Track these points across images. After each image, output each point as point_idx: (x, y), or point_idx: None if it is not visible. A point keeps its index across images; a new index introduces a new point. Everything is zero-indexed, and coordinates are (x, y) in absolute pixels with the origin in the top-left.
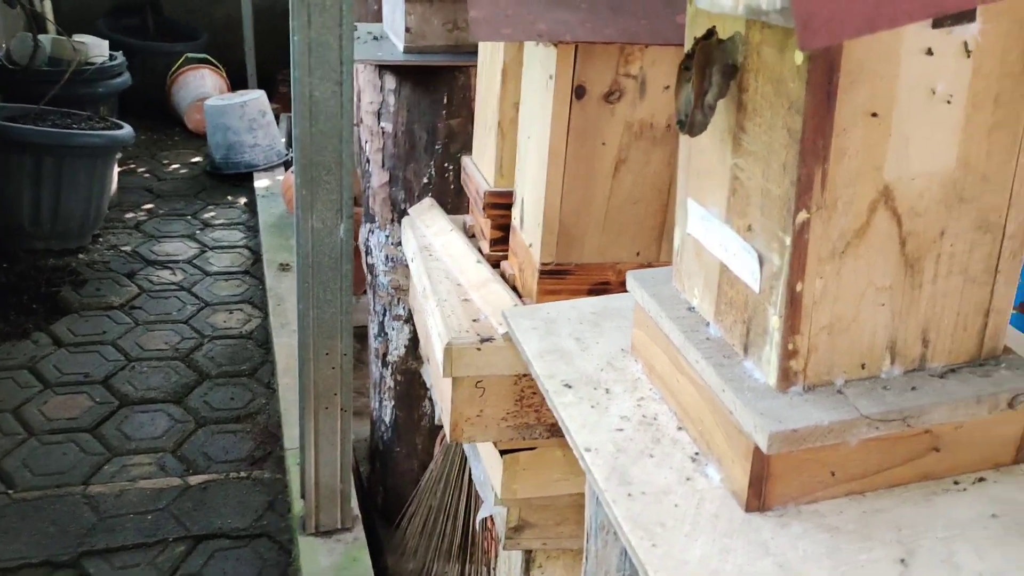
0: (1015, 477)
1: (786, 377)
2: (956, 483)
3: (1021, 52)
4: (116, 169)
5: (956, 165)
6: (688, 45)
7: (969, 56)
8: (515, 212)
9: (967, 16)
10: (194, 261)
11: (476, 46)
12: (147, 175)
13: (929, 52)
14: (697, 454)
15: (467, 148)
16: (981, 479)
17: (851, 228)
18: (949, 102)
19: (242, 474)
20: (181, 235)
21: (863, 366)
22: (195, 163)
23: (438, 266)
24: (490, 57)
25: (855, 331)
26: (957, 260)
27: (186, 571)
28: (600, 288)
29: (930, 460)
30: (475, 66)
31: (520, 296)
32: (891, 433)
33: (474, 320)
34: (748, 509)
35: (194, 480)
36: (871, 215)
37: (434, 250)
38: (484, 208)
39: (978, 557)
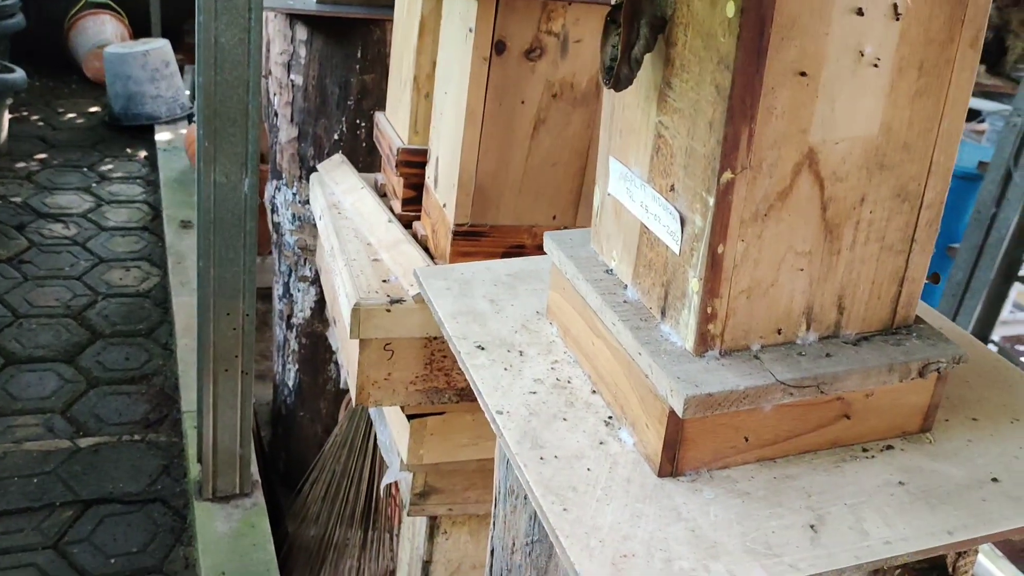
0: (922, 445)
1: (703, 341)
2: (865, 450)
3: (947, 18)
4: (7, 116)
5: (879, 131)
6: None
7: (898, 19)
8: (429, 171)
9: None
10: (89, 215)
11: None
12: (41, 124)
13: (859, 12)
14: (611, 418)
15: (381, 105)
16: (889, 447)
17: (774, 190)
18: (876, 65)
19: (136, 437)
20: (76, 188)
21: (779, 331)
22: (93, 113)
23: (347, 225)
24: (407, 8)
25: (773, 296)
26: (875, 227)
27: (74, 537)
28: (515, 251)
29: (840, 427)
30: (391, 20)
31: (432, 258)
32: (804, 399)
33: (384, 281)
34: (661, 474)
35: (84, 443)
36: (795, 178)
37: (343, 208)
38: (397, 166)
39: (885, 524)
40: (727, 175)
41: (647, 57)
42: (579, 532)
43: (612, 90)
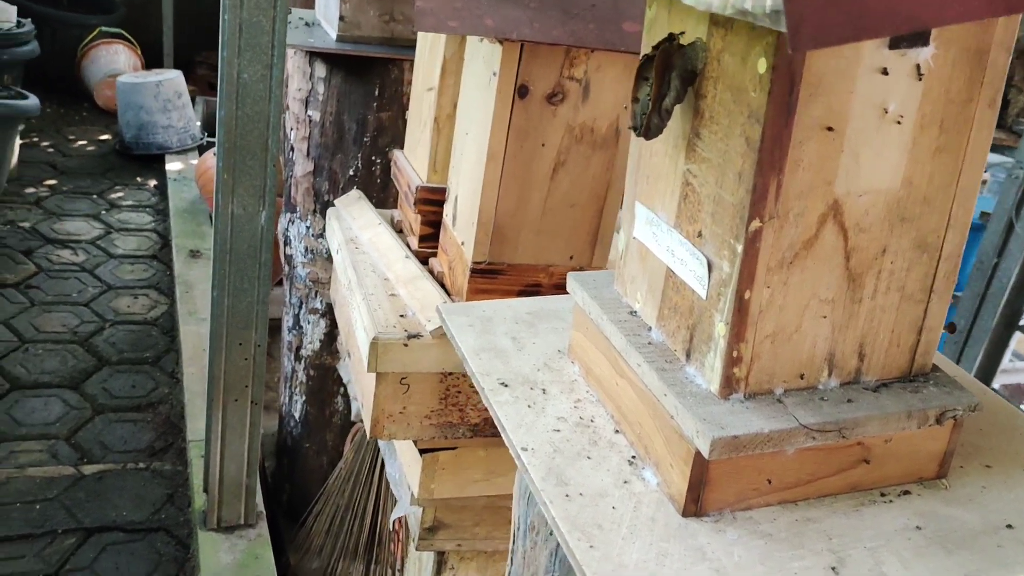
0: (938, 491)
1: (728, 384)
2: (883, 495)
3: (967, 80)
4: (18, 141)
5: (901, 185)
6: (645, 49)
7: (920, 79)
8: (447, 209)
9: (922, 39)
10: (98, 242)
11: (411, 39)
12: (51, 150)
13: (884, 72)
14: (634, 457)
15: (397, 142)
16: (906, 492)
17: (800, 239)
18: (899, 122)
19: (141, 465)
20: (85, 214)
21: (802, 376)
22: (103, 141)
23: (364, 259)
24: (429, 50)
25: (797, 341)
26: (896, 277)
27: (76, 564)
28: (532, 290)
29: (860, 472)
30: (409, 60)
31: (449, 294)
32: (826, 443)
33: (401, 316)
34: (685, 514)
35: (88, 470)
36: (820, 228)
37: (361, 243)
38: (415, 203)
39: (903, 567)
40: (755, 223)
41: (676, 107)
42: (606, 569)
43: (642, 138)
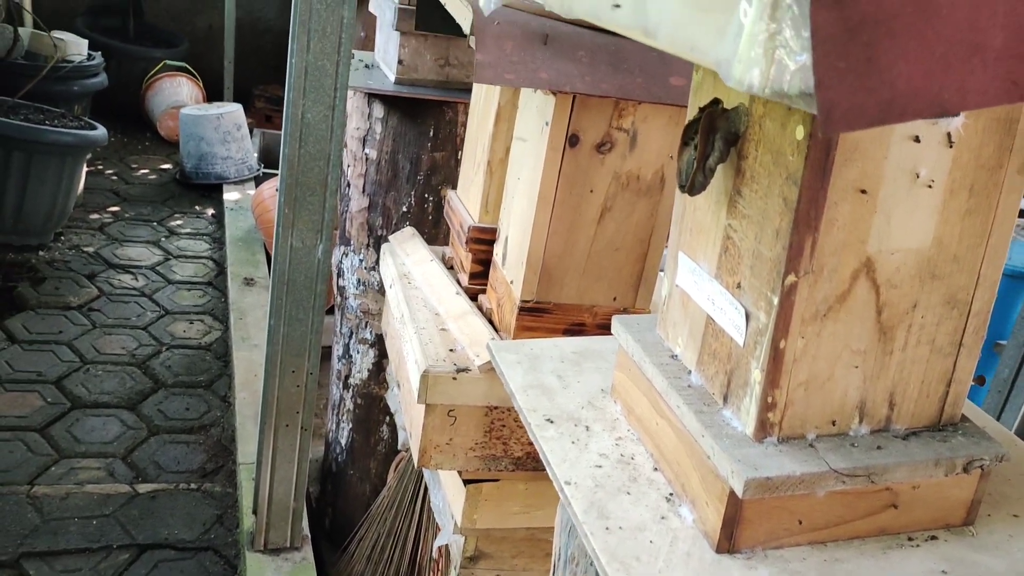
0: (964, 537)
1: (763, 428)
2: (910, 539)
3: (996, 147)
4: (84, 169)
5: (931, 244)
6: (691, 111)
7: (951, 146)
8: (498, 249)
9: None
10: (157, 268)
11: (465, 83)
12: (114, 177)
13: (916, 139)
14: (671, 495)
15: (449, 181)
16: (933, 537)
17: (834, 294)
18: (930, 186)
19: (192, 486)
20: (145, 241)
21: (833, 423)
22: (164, 170)
23: (417, 294)
24: (484, 97)
25: (829, 389)
26: (926, 331)
27: None
28: (576, 328)
29: (888, 516)
30: (463, 102)
31: (497, 330)
32: (855, 488)
33: (451, 350)
34: (718, 550)
35: (143, 488)
36: (853, 283)
37: (413, 278)
38: (467, 242)
39: None
40: (791, 278)
41: (719, 167)
42: None
43: (687, 194)
